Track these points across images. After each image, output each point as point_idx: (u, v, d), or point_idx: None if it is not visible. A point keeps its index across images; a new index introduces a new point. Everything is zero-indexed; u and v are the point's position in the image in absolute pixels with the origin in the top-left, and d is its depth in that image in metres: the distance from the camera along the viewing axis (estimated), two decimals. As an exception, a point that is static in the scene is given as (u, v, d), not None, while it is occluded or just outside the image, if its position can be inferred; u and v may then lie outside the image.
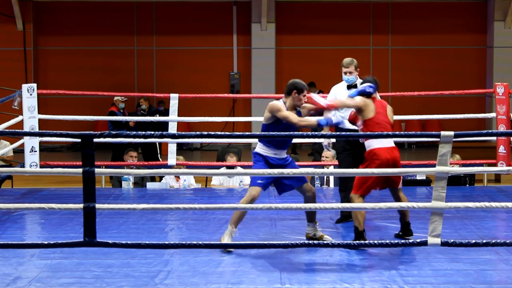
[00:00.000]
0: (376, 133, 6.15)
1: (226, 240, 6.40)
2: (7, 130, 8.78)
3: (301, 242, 5.85)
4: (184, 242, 5.88)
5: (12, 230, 7.17)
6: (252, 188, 6.49)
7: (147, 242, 5.78)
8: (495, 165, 9.50)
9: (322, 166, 9.68)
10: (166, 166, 9.80)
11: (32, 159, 9.32)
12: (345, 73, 7.35)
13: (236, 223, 6.48)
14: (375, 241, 5.90)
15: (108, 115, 13.19)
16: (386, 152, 6.53)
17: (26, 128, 9.30)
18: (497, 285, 5.64)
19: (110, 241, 5.72)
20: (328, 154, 9.75)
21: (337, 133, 6.81)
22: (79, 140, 5.54)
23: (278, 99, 6.60)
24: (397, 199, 6.71)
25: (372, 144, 6.56)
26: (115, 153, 13.16)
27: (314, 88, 17.34)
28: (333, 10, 18.58)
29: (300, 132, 6.54)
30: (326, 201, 8.37)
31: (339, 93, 7.45)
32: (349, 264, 6.06)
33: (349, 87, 7.37)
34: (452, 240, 5.71)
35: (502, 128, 9.45)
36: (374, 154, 6.53)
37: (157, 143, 12.90)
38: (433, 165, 5.75)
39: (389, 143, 6.58)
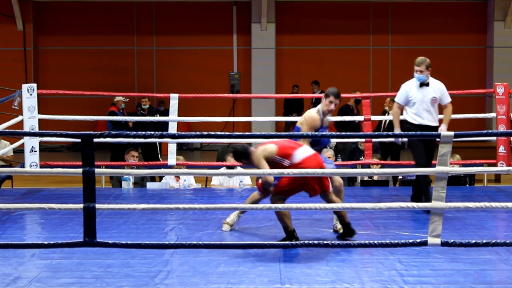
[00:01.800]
0: (376, 133, 6.16)
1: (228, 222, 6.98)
2: (7, 130, 8.79)
3: (301, 242, 5.85)
4: (184, 242, 5.88)
5: (12, 230, 7.17)
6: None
7: (147, 242, 5.78)
8: (495, 165, 9.50)
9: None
10: (166, 166, 9.80)
11: (32, 159, 9.32)
12: (416, 71, 7.80)
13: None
14: (375, 241, 5.90)
15: (108, 115, 13.18)
16: (311, 160, 6.46)
17: (26, 128, 9.30)
18: (497, 285, 5.64)
19: (110, 241, 5.71)
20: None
21: (338, 133, 6.80)
22: (79, 140, 5.54)
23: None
24: (329, 202, 6.52)
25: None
26: (114, 153, 13.15)
27: (318, 87, 17.35)
28: (333, 10, 18.58)
29: (300, 133, 6.55)
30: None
31: (410, 90, 7.88)
32: (349, 264, 6.05)
33: (421, 85, 7.83)
34: (452, 240, 5.71)
35: (502, 128, 9.45)
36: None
37: (157, 143, 12.89)
38: (433, 165, 5.75)
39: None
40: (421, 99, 7.83)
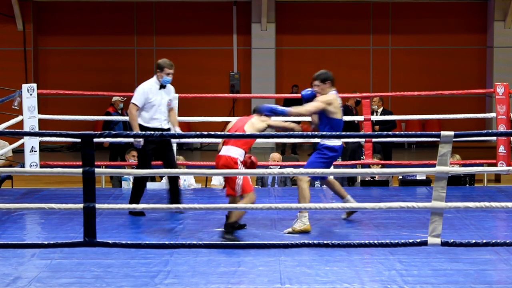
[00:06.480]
0: (376, 133, 6.16)
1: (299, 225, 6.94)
2: (7, 130, 8.78)
3: (301, 242, 5.85)
4: (184, 242, 5.88)
5: (12, 230, 7.17)
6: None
7: (147, 242, 5.78)
8: (495, 165, 9.50)
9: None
10: (166, 166, 9.77)
11: (32, 159, 9.32)
12: (168, 74, 7.79)
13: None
14: (375, 241, 5.90)
15: (104, 115, 13.14)
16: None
17: (26, 128, 9.30)
18: (497, 285, 5.64)
19: (110, 241, 5.71)
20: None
21: (337, 133, 6.80)
22: (79, 140, 5.54)
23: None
24: None
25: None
26: (112, 153, 13.08)
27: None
28: (333, 10, 18.58)
29: (300, 132, 6.55)
30: (326, 201, 8.36)
31: (150, 91, 7.81)
32: (349, 264, 6.05)
33: (161, 87, 7.82)
34: (452, 240, 5.71)
35: (502, 128, 9.45)
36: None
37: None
38: (433, 165, 5.75)
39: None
40: (160, 102, 7.78)
